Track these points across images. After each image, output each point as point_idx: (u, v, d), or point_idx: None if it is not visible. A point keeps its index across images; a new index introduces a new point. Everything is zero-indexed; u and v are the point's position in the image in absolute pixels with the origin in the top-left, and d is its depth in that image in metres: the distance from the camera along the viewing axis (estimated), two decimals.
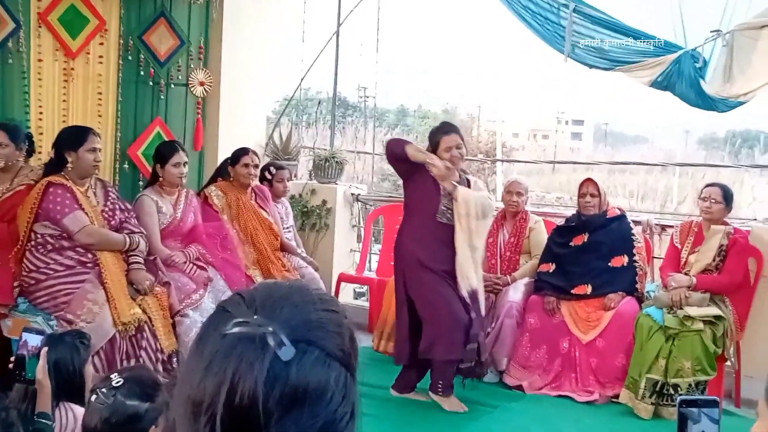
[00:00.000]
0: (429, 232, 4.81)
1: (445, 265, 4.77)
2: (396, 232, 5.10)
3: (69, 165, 4.54)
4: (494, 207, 5.14)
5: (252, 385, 0.99)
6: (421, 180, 4.80)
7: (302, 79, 7.67)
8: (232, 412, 0.99)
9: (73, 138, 4.58)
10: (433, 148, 4.81)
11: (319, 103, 12.36)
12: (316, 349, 1.04)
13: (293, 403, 1.01)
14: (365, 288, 7.40)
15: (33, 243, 4.48)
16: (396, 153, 4.77)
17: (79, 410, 2.65)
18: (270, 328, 1.02)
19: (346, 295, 7.25)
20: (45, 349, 2.70)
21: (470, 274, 4.75)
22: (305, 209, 6.92)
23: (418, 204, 4.87)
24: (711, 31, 5.43)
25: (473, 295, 4.77)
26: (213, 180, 5.74)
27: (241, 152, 5.68)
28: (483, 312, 4.92)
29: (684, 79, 5.38)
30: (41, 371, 2.66)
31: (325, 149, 7.47)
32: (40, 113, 5.36)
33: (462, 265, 4.74)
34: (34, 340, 2.74)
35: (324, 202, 6.96)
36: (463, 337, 4.74)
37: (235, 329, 1.03)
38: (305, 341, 1.03)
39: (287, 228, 6.11)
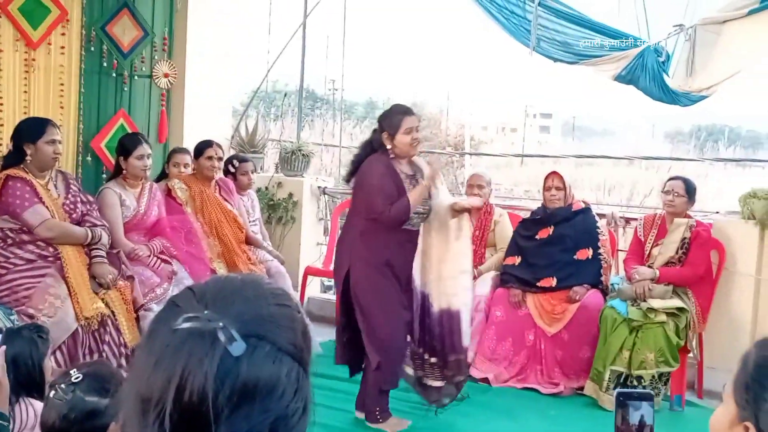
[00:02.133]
0: (395, 238, 4.44)
1: (406, 271, 4.51)
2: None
3: (28, 158, 4.46)
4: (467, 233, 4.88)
5: (202, 380, 0.98)
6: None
7: (268, 72, 7.63)
8: (182, 408, 0.98)
9: (31, 130, 4.51)
10: (392, 131, 4.38)
11: (285, 95, 12.30)
12: (267, 344, 1.03)
13: (244, 398, 1.00)
14: (333, 281, 7.38)
15: None
16: (405, 220, 4.40)
17: (39, 405, 2.61)
18: (220, 323, 1.01)
19: (314, 289, 7.24)
20: (2, 348, 2.66)
21: (439, 288, 4.52)
22: (272, 202, 6.88)
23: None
24: (674, 26, 5.49)
25: (450, 314, 4.50)
26: (162, 173, 5.68)
27: (205, 145, 5.64)
28: (467, 328, 4.62)
29: (647, 73, 5.44)
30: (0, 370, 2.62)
31: (291, 142, 7.43)
32: (1, 105, 5.27)
33: (426, 273, 4.52)
34: None
35: (290, 195, 6.92)
36: (398, 365, 4.53)
37: (185, 324, 1.02)
38: (256, 336, 1.03)
39: (253, 221, 6.07)
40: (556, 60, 5.77)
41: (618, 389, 1.65)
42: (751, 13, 5.12)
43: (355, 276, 4.46)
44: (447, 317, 4.51)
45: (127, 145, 5.06)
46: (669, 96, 5.51)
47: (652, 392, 1.56)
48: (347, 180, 4.65)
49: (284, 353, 1.04)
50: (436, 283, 4.54)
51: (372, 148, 4.48)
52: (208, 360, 0.98)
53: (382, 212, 4.31)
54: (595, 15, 5.67)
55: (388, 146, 4.41)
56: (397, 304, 4.47)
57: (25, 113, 5.29)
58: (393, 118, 4.41)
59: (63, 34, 5.55)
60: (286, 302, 1.11)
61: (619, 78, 5.57)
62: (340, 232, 4.81)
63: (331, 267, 6.81)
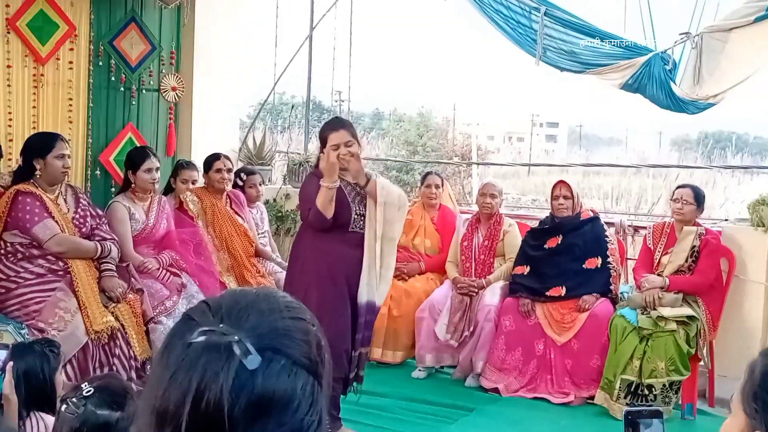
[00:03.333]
0: (340, 242, 4.34)
1: (352, 277, 4.36)
2: None
3: (37, 172, 4.49)
4: (407, 203, 4.75)
5: (217, 394, 0.98)
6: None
7: (275, 84, 7.65)
8: (197, 422, 0.98)
9: (40, 145, 4.53)
10: (322, 144, 4.34)
11: (292, 107, 12.33)
12: (283, 358, 1.03)
13: (259, 412, 1.00)
14: None
15: (3, 252, 4.43)
16: (325, 223, 4.27)
17: (50, 420, 2.62)
18: (236, 337, 1.01)
19: None
20: (10, 363, 2.66)
21: (372, 283, 4.35)
22: (280, 214, 6.89)
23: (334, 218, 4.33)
24: (680, 34, 5.48)
25: (369, 307, 4.39)
26: (168, 187, 5.69)
27: (213, 158, 5.66)
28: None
29: (654, 81, 5.43)
30: (7, 386, 2.63)
31: (299, 153, 7.45)
32: (10, 120, 5.30)
33: (367, 271, 4.34)
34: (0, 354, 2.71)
35: (299, 206, 6.92)
36: (345, 370, 4.37)
37: (201, 338, 1.02)
38: (271, 349, 1.03)
39: (262, 233, 6.09)
40: (562, 69, 5.77)
41: (626, 408, 1.64)
42: (757, 20, 5.11)
43: (294, 285, 4.39)
44: (369, 310, 4.42)
45: (135, 159, 5.07)
46: (676, 104, 5.50)
47: (661, 409, 1.55)
48: None
49: (299, 366, 1.05)
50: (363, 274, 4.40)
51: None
52: (223, 373, 0.99)
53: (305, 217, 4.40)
54: (602, 24, 5.68)
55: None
56: (340, 309, 4.34)
57: (34, 128, 5.33)
58: (323, 132, 4.37)
59: (71, 49, 5.59)
60: (301, 315, 1.11)
61: (626, 86, 5.56)
62: None
63: None
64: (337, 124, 4.39)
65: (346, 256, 4.35)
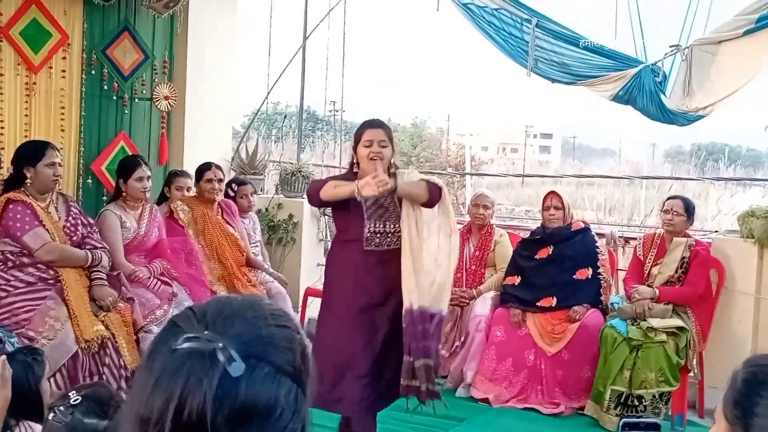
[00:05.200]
0: (355, 262, 4.16)
1: (372, 298, 4.17)
2: None
3: (28, 181, 4.48)
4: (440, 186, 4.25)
5: (200, 401, 0.98)
6: (344, 207, 4.16)
7: (268, 93, 7.67)
8: (181, 428, 0.99)
9: (30, 153, 4.53)
10: (356, 142, 4.17)
11: (285, 117, 12.36)
12: (267, 365, 1.04)
13: (242, 419, 1.01)
14: None
15: None
16: (314, 202, 4.22)
17: (38, 428, 2.61)
18: (220, 344, 1.02)
19: (314, 310, 7.20)
20: (3, 358, 2.65)
21: (411, 288, 4.05)
22: (272, 223, 6.89)
23: (344, 232, 4.26)
24: (670, 46, 5.52)
25: (422, 314, 4.05)
26: (162, 196, 5.69)
27: (204, 167, 5.67)
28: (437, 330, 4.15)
29: (644, 93, 5.46)
30: None
31: (291, 163, 7.45)
32: (2, 128, 5.28)
33: (408, 275, 4.06)
34: None
35: (291, 216, 6.94)
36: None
37: (185, 344, 1.02)
38: (255, 357, 1.03)
39: (254, 243, 6.08)
40: (553, 81, 5.80)
41: (623, 419, 1.65)
42: (746, 33, 5.15)
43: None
44: (423, 318, 4.08)
45: (126, 167, 5.08)
46: (666, 116, 5.53)
47: (659, 422, 1.56)
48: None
49: (283, 374, 1.05)
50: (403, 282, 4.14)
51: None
52: (207, 380, 0.99)
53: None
54: (592, 36, 5.71)
55: (355, 160, 4.19)
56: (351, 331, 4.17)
57: (26, 136, 5.31)
58: (360, 129, 4.20)
59: (64, 57, 5.58)
60: (286, 323, 1.11)
61: (617, 98, 5.60)
62: None
63: None
64: (376, 122, 4.22)
65: (361, 278, 4.14)
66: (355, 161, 4.19)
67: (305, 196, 4.27)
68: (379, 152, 4.05)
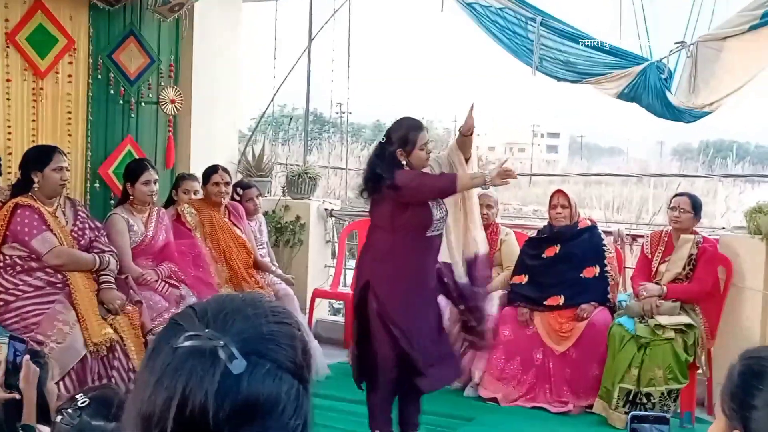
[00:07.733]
0: (420, 247, 4.37)
1: (433, 280, 4.47)
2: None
3: (35, 185, 4.51)
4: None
5: (202, 398, 0.99)
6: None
7: (274, 96, 7.68)
8: (183, 426, 0.99)
9: (38, 158, 4.56)
10: (410, 146, 4.30)
11: (291, 119, 12.35)
12: (268, 362, 1.04)
13: (244, 416, 1.01)
14: (342, 303, 7.39)
15: (1, 265, 4.45)
16: (425, 196, 4.34)
17: (47, 431, 2.62)
18: (221, 342, 1.02)
19: (322, 311, 7.24)
20: (26, 357, 2.67)
21: (457, 255, 4.57)
22: (279, 225, 6.90)
23: (410, 221, 4.33)
24: (675, 43, 5.50)
25: (473, 261, 4.62)
26: (170, 199, 5.71)
27: (211, 171, 5.68)
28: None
29: (650, 90, 5.44)
30: (23, 380, 2.64)
31: (298, 165, 7.47)
32: (9, 133, 5.32)
33: (453, 247, 4.56)
34: (20, 347, 2.73)
35: (298, 217, 6.95)
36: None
37: (186, 343, 1.03)
38: (257, 354, 1.04)
39: (261, 245, 6.10)
40: (559, 79, 5.79)
41: (632, 412, 1.65)
42: (751, 29, 5.13)
43: (383, 294, 4.34)
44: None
45: (133, 171, 5.10)
46: (672, 113, 5.52)
47: (667, 416, 1.56)
48: (370, 193, 4.46)
49: (284, 371, 1.05)
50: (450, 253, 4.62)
51: (390, 162, 4.35)
52: (208, 378, 0.99)
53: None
54: (597, 34, 5.70)
55: (404, 162, 4.33)
56: (424, 318, 4.42)
57: (33, 141, 5.35)
58: (409, 133, 4.33)
59: (70, 62, 5.62)
60: (286, 320, 1.12)
61: (622, 96, 5.58)
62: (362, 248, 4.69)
63: (339, 289, 6.88)
64: (420, 124, 4.44)
65: (424, 262, 4.42)
66: (404, 162, 4.33)
67: (403, 191, 4.25)
68: (431, 152, 4.39)
